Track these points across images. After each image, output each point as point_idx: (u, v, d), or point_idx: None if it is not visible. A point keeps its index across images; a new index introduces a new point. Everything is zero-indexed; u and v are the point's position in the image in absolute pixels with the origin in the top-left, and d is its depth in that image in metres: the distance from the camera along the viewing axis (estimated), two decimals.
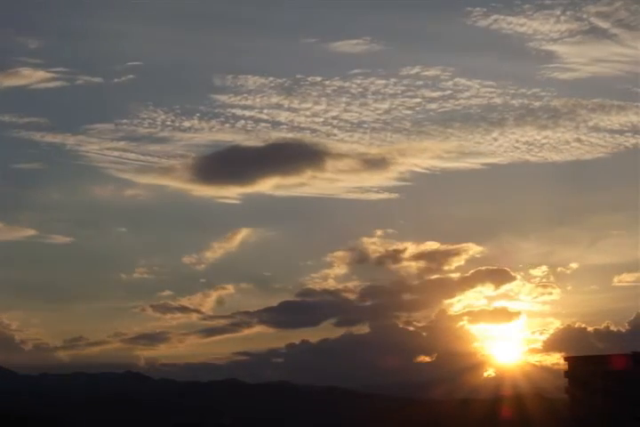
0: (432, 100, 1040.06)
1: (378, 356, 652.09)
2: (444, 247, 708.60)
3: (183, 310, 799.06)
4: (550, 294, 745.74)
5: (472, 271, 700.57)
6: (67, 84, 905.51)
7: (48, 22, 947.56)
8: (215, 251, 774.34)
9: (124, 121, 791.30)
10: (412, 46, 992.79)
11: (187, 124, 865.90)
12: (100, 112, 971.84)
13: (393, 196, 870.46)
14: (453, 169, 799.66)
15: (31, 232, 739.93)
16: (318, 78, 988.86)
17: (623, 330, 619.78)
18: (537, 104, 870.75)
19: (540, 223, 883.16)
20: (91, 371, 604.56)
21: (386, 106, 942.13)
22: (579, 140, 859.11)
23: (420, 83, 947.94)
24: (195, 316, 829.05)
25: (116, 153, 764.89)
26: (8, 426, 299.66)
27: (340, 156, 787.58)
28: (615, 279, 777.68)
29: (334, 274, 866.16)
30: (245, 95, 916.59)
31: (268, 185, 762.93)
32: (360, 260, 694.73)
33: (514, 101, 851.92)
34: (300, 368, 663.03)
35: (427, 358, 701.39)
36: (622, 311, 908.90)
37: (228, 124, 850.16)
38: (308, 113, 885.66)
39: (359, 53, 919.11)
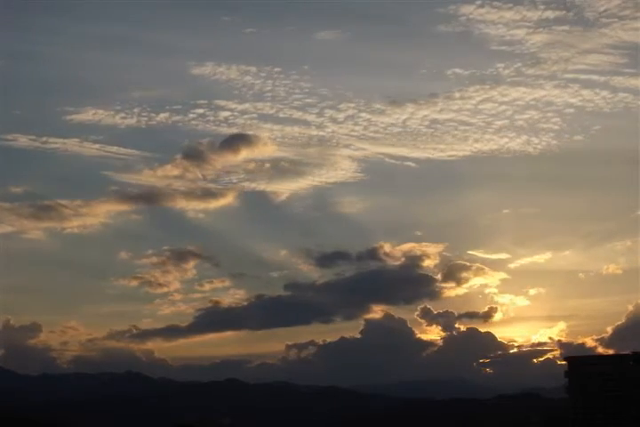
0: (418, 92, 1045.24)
1: (374, 355, 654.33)
2: (424, 245, 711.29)
3: (179, 307, 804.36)
4: (537, 293, 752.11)
5: (455, 269, 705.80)
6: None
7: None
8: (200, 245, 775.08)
9: (100, 112, 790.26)
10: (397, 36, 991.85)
11: (163, 115, 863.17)
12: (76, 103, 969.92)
13: (375, 190, 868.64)
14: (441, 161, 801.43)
15: (8, 229, 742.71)
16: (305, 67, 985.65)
17: (609, 331, 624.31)
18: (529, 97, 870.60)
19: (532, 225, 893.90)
20: (91, 371, 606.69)
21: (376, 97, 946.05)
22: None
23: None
24: (190, 314, 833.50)
25: (96, 146, 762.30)
26: (8, 426, 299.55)
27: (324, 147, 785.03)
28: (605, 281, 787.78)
29: (317, 270, 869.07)
30: (227, 85, 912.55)
31: (243, 178, 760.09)
32: (344, 256, 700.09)
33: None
34: (300, 368, 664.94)
35: (425, 357, 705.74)
36: (609, 313, 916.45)
37: (209, 117, 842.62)
38: (296, 104, 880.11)
39: (340, 43, 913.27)
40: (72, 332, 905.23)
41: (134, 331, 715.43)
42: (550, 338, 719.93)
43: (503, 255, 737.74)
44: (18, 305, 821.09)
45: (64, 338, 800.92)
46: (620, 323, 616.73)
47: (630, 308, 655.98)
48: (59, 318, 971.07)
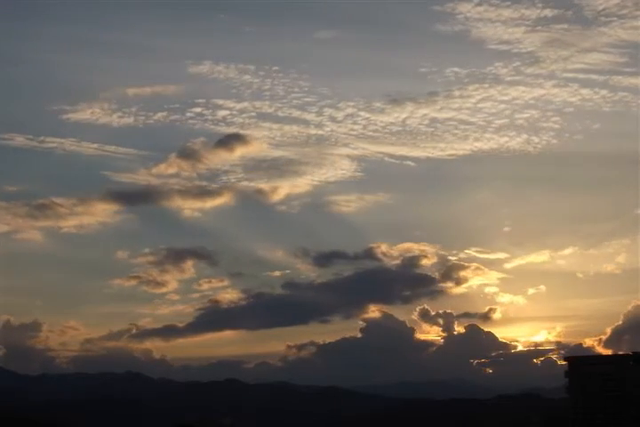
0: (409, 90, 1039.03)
1: (373, 356, 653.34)
2: (422, 244, 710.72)
3: (179, 307, 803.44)
4: (537, 293, 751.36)
5: (454, 269, 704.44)
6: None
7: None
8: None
9: (98, 111, 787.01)
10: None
11: (160, 114, 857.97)
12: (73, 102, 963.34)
13: (373, 189, 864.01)
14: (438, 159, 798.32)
15: (4, 228, 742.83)
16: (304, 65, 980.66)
17: (609, 332, 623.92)
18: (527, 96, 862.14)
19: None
20: (91, 371, 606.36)
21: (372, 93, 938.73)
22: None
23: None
24: (190, 313, 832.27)
25: (93, 145, 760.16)
26: (8, 426, 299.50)
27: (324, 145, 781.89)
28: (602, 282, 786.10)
29: (315, 269, 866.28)
30: (225, 84, 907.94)
31: (241, 177, 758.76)
32: (342, 255, 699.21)
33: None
34: (300, 368, 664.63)
35: (425, 357, 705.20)
36: (609, 314, 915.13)
37: (207, 116, 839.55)
38: (294, 103, 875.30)
39: (339, 42, 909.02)
40: (72, 332, 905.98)
41: (134, 331, 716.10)
42: (550, 338, 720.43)
43: (502, 255, 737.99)
44: (17, 305, 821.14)
45: (64, 338, 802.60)
46: (618, 323, 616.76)
47: (629, 308, 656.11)
48: (58, 318, 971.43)
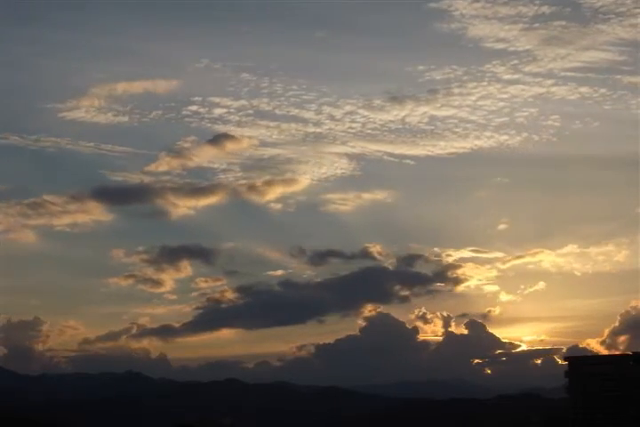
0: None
1: (373, 355, 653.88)
2: (422, 243, 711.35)
3: (178, 307, 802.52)
4: (536, 293, 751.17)
5: (454, 268, 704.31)
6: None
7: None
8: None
9: (93, 109, 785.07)
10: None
11: (156, 112, 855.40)
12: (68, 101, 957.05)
13: (372, 188, 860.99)
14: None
15: None
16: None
17: (608, 332, 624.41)
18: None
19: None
20: (91, 371, 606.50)
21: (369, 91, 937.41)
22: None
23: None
24: (188, 313, 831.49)
25: (88, 144, 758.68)
26: (8, 426, 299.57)
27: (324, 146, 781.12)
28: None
29: (313, 268, 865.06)
30: (222, 82, 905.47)
31: (239, 176, 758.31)
32: (340, 255, 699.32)
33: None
34: (300, 369, 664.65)
35: (425, 357, 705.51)
36: (609, 314, 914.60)
37: (204, 115, 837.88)
38: (293, 101, 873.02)
39: (338, 40, 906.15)
40: (72, 332, 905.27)
41: (134, 331, 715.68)
42: (550, 338, 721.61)
43: (501, 255, 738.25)
44: (14, 305, 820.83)
45: (64, 338, 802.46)
46: (616, 324, 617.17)
47: (628, 308, 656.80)
48: (57, 317, 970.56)
